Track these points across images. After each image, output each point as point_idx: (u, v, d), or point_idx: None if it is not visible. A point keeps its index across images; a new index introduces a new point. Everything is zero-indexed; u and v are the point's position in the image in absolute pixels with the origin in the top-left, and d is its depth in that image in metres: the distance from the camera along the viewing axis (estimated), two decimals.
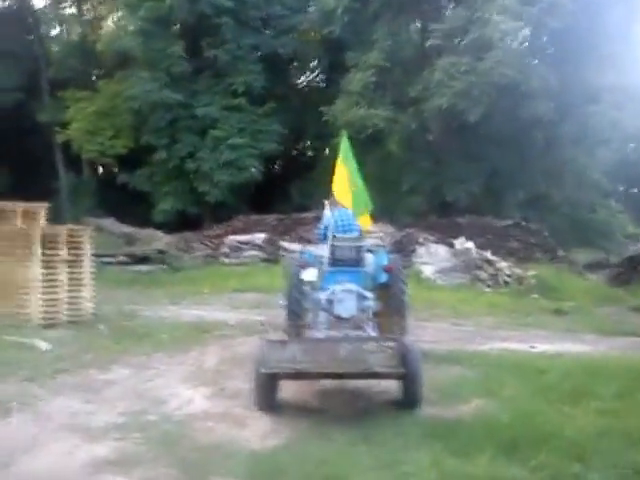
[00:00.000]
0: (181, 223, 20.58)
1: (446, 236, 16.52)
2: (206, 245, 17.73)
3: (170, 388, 5.93)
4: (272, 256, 15.87)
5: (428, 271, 13.61)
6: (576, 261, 16.98)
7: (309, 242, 17.04)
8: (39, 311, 8.43)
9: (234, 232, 17.87)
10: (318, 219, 16.76)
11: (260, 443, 4.60)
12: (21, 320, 8.34)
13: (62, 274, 8.80)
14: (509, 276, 13.34)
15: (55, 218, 21.57)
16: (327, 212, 7.90)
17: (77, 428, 4.63)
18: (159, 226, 19.72)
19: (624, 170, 23.02)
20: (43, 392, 5.55)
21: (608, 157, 19.16)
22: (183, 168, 19.39)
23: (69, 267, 8.92)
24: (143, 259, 16.15)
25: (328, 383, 5.93)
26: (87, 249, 9.23)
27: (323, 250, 7.24)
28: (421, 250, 14.95)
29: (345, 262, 7.11)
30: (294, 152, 26.66)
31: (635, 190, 24.10)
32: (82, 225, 19.86)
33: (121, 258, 16.23)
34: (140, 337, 8.16)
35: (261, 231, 17.06)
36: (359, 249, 7.15)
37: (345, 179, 7.58)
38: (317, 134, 22.40)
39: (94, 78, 23.07)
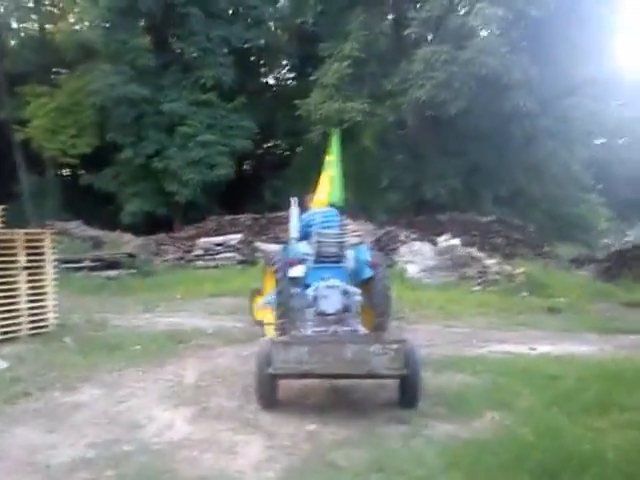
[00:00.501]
0: (150, 225, 19.78)
1: (428, 233, 16.12)
2: (178, 248, 17.01)
3: (146, 410, 5.32)
4: (248, 257, 15.24)
5: (413, 270, 13.16)
6: (561, 256, 16.75)
7: (286, 242, 16.57)
8: None
9: (207, 234, 17.18)
10: None
11: (254, 475, 4.03)
12: None
13: (20, 282, 8.05)
14: (498, 273, 12.96)
15: (17, 222, 20.69)
16: (294, 210, 8.12)
17: (37, 467, 4.00)
18: (127, 229, 18.94)
19: (604, 163, 22.96)
20: None
21: (588, 151, 19.01)
22: (150, 167, 18.56)
23: (28, 275, 8.17)
24: (111, 264, 15.36)
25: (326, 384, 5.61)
26: (48, 254, 8.48)
27: (304, 247, 7.46)
28: (404, 248, 14.50)
29: (328, 258, 7.33)
30: (266, 149, 26.02)
31: (614, 184, 24.05)
32: (45, 229, 19.35)
33: (88, 263, 15.40)
34: (111, 349, 7.50)
35: (235, 232, 16.40)
36: (342, 245, 7.40)
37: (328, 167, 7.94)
38: (289, 131, 21.84)
39: (54, 73, 21.92)
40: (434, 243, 15.00)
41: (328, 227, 7.58)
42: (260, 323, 8.50)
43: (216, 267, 14.86)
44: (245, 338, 8.51)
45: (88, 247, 17.03)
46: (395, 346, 5.02)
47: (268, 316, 8.05)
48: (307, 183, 20.08)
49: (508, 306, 11.54)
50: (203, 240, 15.76)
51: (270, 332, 7.51)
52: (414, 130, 16.27)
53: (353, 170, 19.59)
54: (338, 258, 7.43)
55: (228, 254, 14.97)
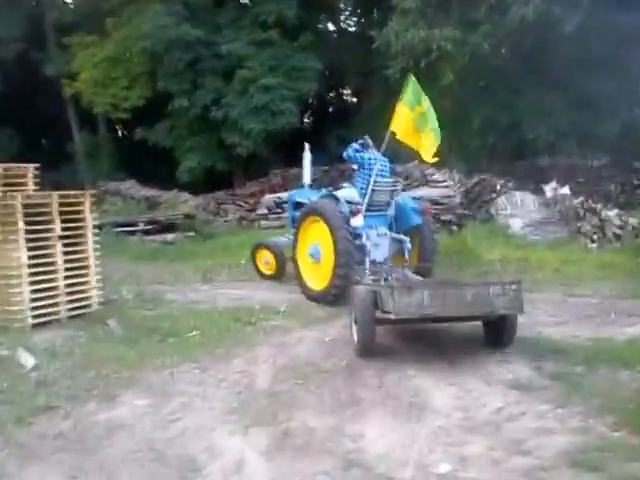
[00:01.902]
0: (209, 182, 18.61)
1: (527, 182, 14.15)
2: (240, 206, 15.72)
3: (205, 435, 4.00)
4: None
5: (516, 225, 11.34)
6: None
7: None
8: (28, 307, 6.54)
9: (271, 189, 15.79)
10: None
11: None
12: (6, 320, 6.49)
13: (57, 256, 6.87)
14: (620, 227, 10.94)
15: (71, 184, 20.03)
16: (307, 155, 8.96)
17: None
18: (185, 187, 17.83)
19: None
20: (5, 457, 3.64)
21: None
22: (207, 117, 17.19)
23: (66, 246, 6.98)
24: (168, 226, 14.26)
25: None
26: (89, 220, 7.26)
27: (353, 193, 7.74)
28: (501, 200, 12.65)
29: (378, 207, 7.66)
30: (333, 95, 24.20)
31: None
32: (96, 190, 18.50)
33: (142, 226, 14.35)
34: (163, 336, 6.26)
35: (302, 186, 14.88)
36: (393, 194, 7.79)
37: (411, 121, 7.63)
38: (360, 72, 19.91)
39: (104, 20, 20.71)
40: (537, 193, 13.07)
41: (382, 175, 7.72)
42: (266, 277, 9.05)
43: (283, 227, 13.46)
44: (325, 316, 7.12)
45: (143, 208, 16.02)
46: (514, 286, 5.28)
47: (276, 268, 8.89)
48: (378, 131, 18.34)
49: (637, 268, 9.62)
50: (267, 197, 14.35)
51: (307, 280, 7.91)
52: (511, 60, 14.07)
53: (437, 109, 17.63)
54: (386, 206, 7.74)
55: (296, 212, 13.52)
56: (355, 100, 24.58)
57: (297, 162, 18.60)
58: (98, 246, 7.44)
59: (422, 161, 8.58)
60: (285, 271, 9.08)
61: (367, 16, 19.41)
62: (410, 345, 5.87)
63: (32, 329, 6.48)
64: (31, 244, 6.62)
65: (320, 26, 20.91)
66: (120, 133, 23.62)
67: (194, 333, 6.35)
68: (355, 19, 22.30)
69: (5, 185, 7.39)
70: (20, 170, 7.67)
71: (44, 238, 6.80)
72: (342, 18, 22.60)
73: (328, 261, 7.51)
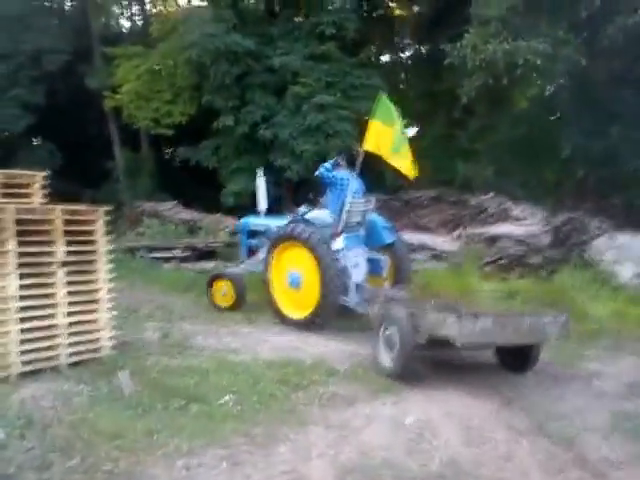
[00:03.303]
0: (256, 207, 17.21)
1: (626, 222, 12.30)
2: None
3: None
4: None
5: (626, 274, 9.53)
6: None
7: (427, 230, 13.42)
8: (16, 351, 5.19)
9: None
10: (437, 199, 12.85)
11: None
12: None
13: (57, 286, 5.54)
14: None
15: (110, 204, 19.08)
16: (261, 181, 9.13)
17: None
18: (230, 211, 16.40)
19: None
20: None
21: None
22: (255, 137, 15.90)
23: (70, 274, 5.65)
24: (206, 254, 12.97)
25: None
26: (101, 243, 5.93)
27: (327, 216, 7.77)
28: (600, 243, 10.85)
29: (351, 227, 7.72)
30: None
31: None
32: (134, 212, 17.49)
33: (178, 253, 13.10)
34: (185, 402, 4.76)
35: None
36: (365, 214, 7.91)
37: (390, 138, 7.56)
38: (426, 91, 18.51)
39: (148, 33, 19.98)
40: None
41: (355, 196, 7.74)
42: (223, 309, 8.65)
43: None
44: (399, 382, 5.52)
45: (182, 233, 14.81)
46: (563, 317, 5.68)
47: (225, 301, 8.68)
48: (441, 158, 16.76)
49: None
50: None
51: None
52: (609, 79, 12.34)
53: (509, 136, 16.23)
54: (359, 225, 7.82)
55: None
56: (416, 127, 23.17)
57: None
58: (112, 275, 6.09)
59: (407, 181, 8.85)
60: (244, 302, 8.76)
61: (435, 32, 18.07)
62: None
63: (18, 379, 5.14)
64: (25, 270, 5.32)
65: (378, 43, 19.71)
66: (163, 152, 22.69)
67: (227, 399, 4.86)
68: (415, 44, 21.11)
69: (5, 195, 6.15)
70: (24, 178, 6.43)
71: (42, 263, 5.50)
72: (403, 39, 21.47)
73: (310, 288, 7.47)
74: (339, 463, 3.75)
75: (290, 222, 7.97)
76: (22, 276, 5.29)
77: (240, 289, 8.68)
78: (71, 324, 5.63)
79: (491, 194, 13.63)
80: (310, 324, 7.47)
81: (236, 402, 4.78)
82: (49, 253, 5.51)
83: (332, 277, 7.17)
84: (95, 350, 5.82)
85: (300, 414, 4.61)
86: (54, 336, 5.49)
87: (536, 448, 4.13)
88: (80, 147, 23.39)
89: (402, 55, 20.18)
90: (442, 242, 11.64)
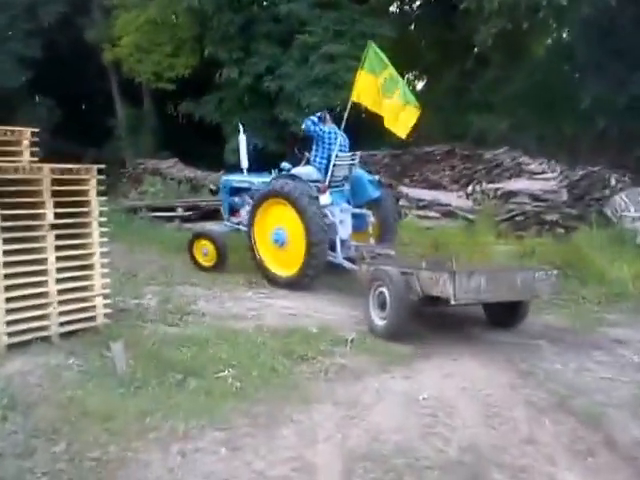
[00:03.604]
0: (260, 163, 16.77)
1: None
2: None
3: None
4: None
5: None
6: None
7: (439, 186, 12.98)
8: (2, 321, 4.90)
9: None
10: (449, 154, 12.36)
11: None
12: None
13: (47, 251, 5.21)
14: None
15: (113, 162, 18.71)
16: (242, 138, 8.83)
17: None
18: (233, 168, 15.99)
19: None
20: None
21: None
22: (260, 89, 15.37)
23: (61, 238, 5.31)
24: (209, 213, 12.58)
25: None
26: (94, 205, 5.56)
27: (314, 172, 7.60)
28: (620, 198, 10.41)
29: (336, 182, 7.62)
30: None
31: None
32: (135, 170, 17.05)
33: (181, 212, 12.76)
34: (182, 377, 4.48)
35: (371, 172, 12.94)
36: (351, 168, 7.80)
37: (376, 88, 7.36)
38: (438, 39, 17.77)
39: None
40: None
41: (342, 150, 7.64)
42: (205, 269, 8.43)
43: None
44: (410, 352, 5.23)
45: (185, 191, 14.43)
46: (555, 272, 5.75)
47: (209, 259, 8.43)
48: (453, 111, 16.11)
49: None
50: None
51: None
52: (631, 22, 11.60)
53: (524, 87, 15.54)
54: (345, 180, 7.73)
55: None
56: (425, 79, 22.41)
57: (360, 144, 16.90)
58: (106, 239, 5.75)
59: (397, 137, 8.11)
60: (226, 262, 8.51)
61: None
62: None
63: (6, 352, 4.85)
64: (10, 234, 4.96)
65: None
66: (166, 107, 22.12)
67: (226, 373, 4.56)
68: None
69: None
70: (11, 135, 6.04)
71: (30, 227, 5.15)
72: None
73: (296, 244, 7.35)
74: (347, 449, 3.46)
75: (275, 178, 7.80)
76: (7, 241, 4.94)
77: (222, 248, 8.47)
78: (62, 291, 5.30)
79: (505, 148, 13.13)
80: (298, 282, 7.39)
81: (236, 377, 4.48)
82: (37, 216, 5.15)
83: (319, 234, 7.06)
84: (89, 319, 5.51)
85: (304, 390, 4.31)
86: (44, 305, 5.18)
87: (560, 429, 3.82)
88: (80, 104, 22.91)
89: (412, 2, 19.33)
90: (456, 198, 11.20)
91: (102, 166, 5.64)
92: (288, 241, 7.52)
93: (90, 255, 5.55)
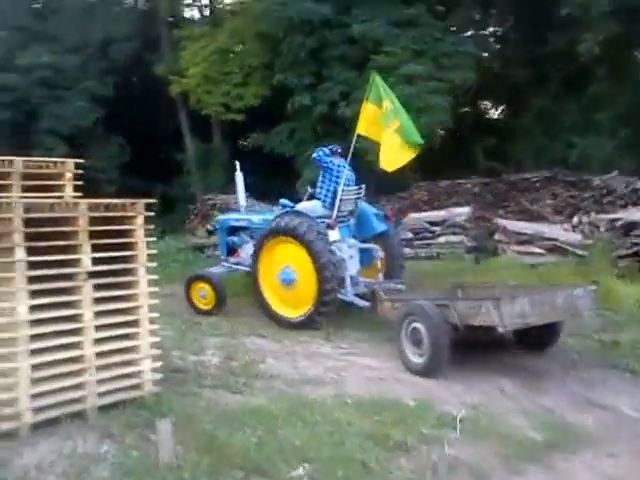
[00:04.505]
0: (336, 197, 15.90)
1: None
2: None
3: None
4: (482, 242, 10.58)
5: None
6: None
7: (539, 218, 11.64)
8: (26, 394, 4.04)
9: (415, 207, 12.82)
10: (550, 181, 11.06)
11: None
12: None
13: (83, 305, 4.35)
14: None
15: (182, 198, 18.28)
16: (239, 175, 8.97)
17: None
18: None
19: None
20: None
21: None
22: (334, 116, 14.48)
23: (100, 289, 4.45)
24: None
25: None
26: (142, 247, 4.69)
27: (320, 208, 7.63)
28: None
29: (343, 216, 7.71)
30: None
31: None
32: (204, 206, 16.50)
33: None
34: (243, 477, 3.45)
35: (459, 203, 11.79)
36: (357, 202, 7.86)
37: (379, 119, 7.42)
38: (531, 57, 16.46)
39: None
40: None
41: (348, 184, 7.64)
42: (203, 312, 8.15)
43: (433, 257, 10.43)
44: (541, 438, 4.02)
45: None
46: (593, 288, 5.80)
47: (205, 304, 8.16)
48: (546, 134, 14.66)
49: None
50: (412, 217, 11.36)
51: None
52: None
53: (632, 103, 13.98)
54: (350, 214, 7.76)
55: (452, 237, 10.42)
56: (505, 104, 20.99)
57: (445, 172, 15.81)
58: (156, 289, 4.86)
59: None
60: (225, 305, 8.24)
61: None
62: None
63: (29, 434, 3.98)
64: (38, 285, 4.15)
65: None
66: (235, 141, 21.75)
67: (300, 471, 3.50)
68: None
69: (29, 189, 5.07)
70: (53, 167, 5.32)
71: (62, 276, 4.31)
72: None
73: (305, 283, 7.19)
74: None
75: (281, 215, 7.63)
76: (35, 294, 4.13)
77: (220, 291, 8.23)
78: (101, 354, 4.42)
79: (615, 172, 11.68)
80: (308, 322, 7.18)
81: (314, 478, 3.41)
82: (71, 262, 4.33)
83: (331, 272, 6.95)
84: (133, 387, 4.60)
85: None
86: (78, 372, 4.31)
87: None
88: (150, 139, 22.86)
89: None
90: (562, 231, 9.84)
91: (151, 201, 4.77)
92: (296, 280, 7.34)
93: (136, 309, 4.66)
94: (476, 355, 6.05)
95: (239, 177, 8.95)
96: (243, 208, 8.94)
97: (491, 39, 18.58)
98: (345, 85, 14.63)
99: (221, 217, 9.25)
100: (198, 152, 20.73)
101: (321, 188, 7.82)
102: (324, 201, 7.69)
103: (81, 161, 5.42)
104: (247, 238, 8.48)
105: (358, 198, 7.78)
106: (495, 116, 21.92)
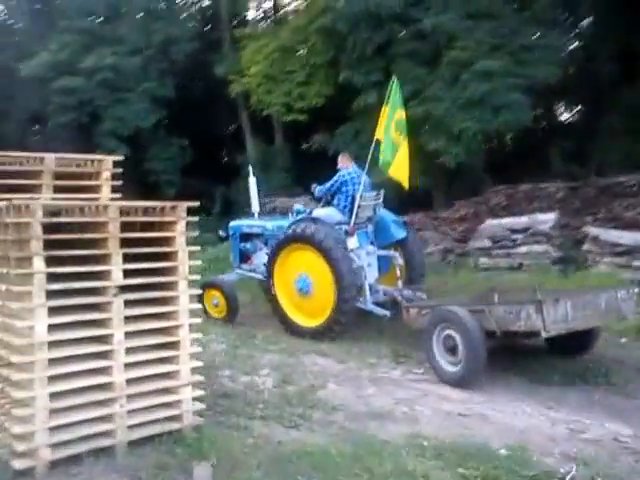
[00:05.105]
0: (403, 201, 15.23)
1: None
2: (444, 235, 12.00)
3: None
4: (568, 252, 9.58)
5: None
6: None
7: (635, 226, 10.53)
8: (43, 427, 3.49)
9: (492, 213, 11.88)
10: None
11: None
12: (4, 446, 3.54)
13: (112, 324, 3.78)
14: None
15: (241, 200, 17.92)
16: (252, 181, 8.79)
17: None
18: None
19: None
20: None
21: None
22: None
23: (132, 305, 3.88)
24: None
25: None
26: (183, 258, 4.09)
27: (336, 214, 7.52)
28: None
29: (361, 222, 7.54)
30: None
31: None
32: (264, 207, 16.00)
33: None
34: None
35: (542, 209, 10.79)
36: (375, 208, 7.66)
37: (393, 122, 7.37)
38: (625, 53, 15.24)
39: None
40: None
41: (366, 190, 7.46)
42: (214, 318, 8.07)
43: (514, 268, 9.50)
44: None
45: None
46: (637, 290, 5.58)
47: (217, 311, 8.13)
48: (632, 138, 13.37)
49: None
50: (490, 223, 10.42)
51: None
52: None
53: None
54: (367, 222, 7.61)
55: (535, 247, 9.45)
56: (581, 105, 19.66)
57: (517, 176, 14.86)
58: (199, 305, 4.26)
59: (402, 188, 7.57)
60: (237, 313, 8.19)
61: None
62: None
63: (48, 472, 3.45)
64: (60, 301, 3.60)
65: None
66: (298, 142, 21.30)
67: None
68: None
69: (61, 190, 4.57)
70: (90, 166, 4.80)
71: (88, 290, 3.75)
72: None
73: (323, 292, 7.09)
74: None
75: (296, 222, 7.56)
76: (55, 311, 3.59)
77: (232, 298, 8.18)
78: (133, 382, 3.85)
79: None
80: (326, 332, 7.09)
81: None
82: (100, 274, 3.77)
83: (350, 280, 6.87)
84: (171, 419, 4.00)
85: None
86: (105, 401, 3.75)
87: None
88: (211, 141, 22.78)
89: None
90: None
91: (194, 204, 4.17)
92: (314, 289, 7.24)
93: (175, 329, 4.06)
94: (566, 379, 5.26)
95: (252, 182, 8.82)
96: (256, 214, 8.83)
97: (574, 32, 17.48)
98: (415, 82, 13.81)
99: (233, 223, 9.16)
100: (259, 153, 20.38)
101: (339, 197, 7.65)
102: (342, 208, 7.55)
103: (119, 158, 4.88)
104: (261, 245, 8.43)
105: (376, 204, 7.63)
106: (569, 117, 20.82)
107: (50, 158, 4.51)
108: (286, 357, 6.35)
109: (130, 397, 3.83)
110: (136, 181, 21.65)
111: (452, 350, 5.33)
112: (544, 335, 4.88)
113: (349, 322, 7.02)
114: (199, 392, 4.18)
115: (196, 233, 4.20)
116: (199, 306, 4.26)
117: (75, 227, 3.91)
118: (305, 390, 5.16)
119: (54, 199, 4.39)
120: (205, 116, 21.37)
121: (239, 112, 20.48)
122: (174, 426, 4.00)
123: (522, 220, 10.03)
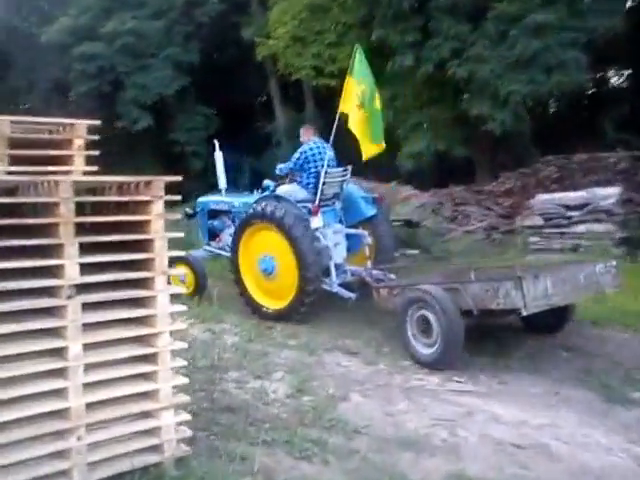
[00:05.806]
0: (443, 172, 14.45)
1: None
2: (489, 210, 11.02)
3: None
4: (635, 232, 8.52)
5: None
6: None
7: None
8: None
9: (541, 186, 10.82)
10: None
11: None
12: None
13: (67, 335, 2.98)
14: None
15: (270, 172, 17.24)
16: (219, 156, 8.54)
17: None
18: (408, 178, 14.10)
19: None
20: None
21: None
22: (443, 79, 12.71)
23: (92, 308, 3.08)
24: None
25: None
26: (159, 246, 3.26)
27: (301, 191, 7.31)
28: None
29: (326, 200, 7.34)
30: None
31: None
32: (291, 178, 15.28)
33: None
34: None
35: (599, 182, 9.70)
36: (342, 184, 7.49)
37: (354, 96, 7.00)
38: None
39: None
40: None
41: (331, 165, 7.31)
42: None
43: (572, 250, 8.50)
44: None
45: None
46: (614, 263, 5.57)
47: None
48: None
49: None
50: (541, 198, 9.36)
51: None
52: None
53: None
54: (336, 198, 7.45)
55: (595, 225, 8.41)
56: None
57: (565, 146, 13.80)
58: (184, 307, 3.44)
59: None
60: (205, 290, 8.03)
61: None
62: None
63: None
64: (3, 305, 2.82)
65: None
66: (329, 108, 20.40)
67: None
68: None
69: (20, 161, 3.77)
70: (60, 132, 3.99)
71: (35, 291, 2.95)
72: None
73: (287, 273, 6.98)
74: None
75: (259, 199, 7.38)
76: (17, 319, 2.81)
77: (201, 275, 8.04)
78: (94, 406, 3.06)
79: None
80: (290, 314, 6.99)
81: None
82: (49, 270, 2.97)
83: (313, 260, 6.73)
84: (147, 451, 3.22)
85: None
86: (60, 433, 2.96)
87: None
88: (238, 109, 21.97)
89: None
90: None
91: (175, 178, 3.32)
92: (277, 269, 7.13)
93: (151, 338, 3.25)
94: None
95: (219, 157, 8.61)
96: (224, 190, 8.62)
97: None
98: (457, 41, 12.80)
99: (201, 199, 9.00)
100: (288, 122, 19.56)
101: (301, 172, 7.48)
102: (307, 184, 7.32)
103: (95, 123, 4.04)
104: (228, 222, 8.32)
105: (343, 180, 7.44)
106: (619, 81, 19.45)
107: (4, 121, 3.70)
108: (305, 355, 5.61)
109: (91, 426, 3.05)
110: (161, 153, 21.08)
111: (427, 332, 5.29)
112: (524, 313, 4.77)
113: (313, 303, 6.87)
114: (185, 416, 3.38)
115: (178, 216, 3.36)
116: (184, 308, 3.43)
117: (30, 209, 3.14)
118: (323, 403, 4.35)
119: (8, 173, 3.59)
120: (232, 83, 20.56)
121: (268, 78, 19.63)
122: (151, 459, 3.22)
123: (579, 195, 8.98)
